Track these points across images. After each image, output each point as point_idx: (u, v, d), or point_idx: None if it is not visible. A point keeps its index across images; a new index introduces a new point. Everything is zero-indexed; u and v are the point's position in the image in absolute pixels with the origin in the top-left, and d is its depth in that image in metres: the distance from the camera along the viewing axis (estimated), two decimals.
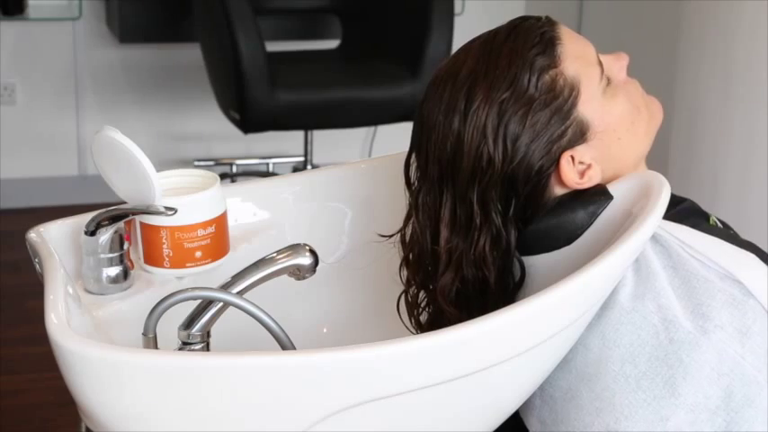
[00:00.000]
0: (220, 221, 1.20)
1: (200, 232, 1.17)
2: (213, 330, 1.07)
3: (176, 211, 1.18)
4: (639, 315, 1.06)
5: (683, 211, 1.16)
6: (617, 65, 1.13)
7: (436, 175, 1.10)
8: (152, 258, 1.19)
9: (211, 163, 3.55)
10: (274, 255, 1.10)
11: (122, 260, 1.19)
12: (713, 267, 1.09)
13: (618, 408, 1.04)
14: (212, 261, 1.20)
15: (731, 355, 1.04)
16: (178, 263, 1.18)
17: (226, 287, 1.07)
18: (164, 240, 1.17)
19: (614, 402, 1.04)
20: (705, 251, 1.10)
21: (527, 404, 1.12)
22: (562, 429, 1.08)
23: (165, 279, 1.22)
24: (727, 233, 1.16)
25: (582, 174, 1.10)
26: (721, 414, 1.03)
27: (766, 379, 1.04)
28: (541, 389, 1.10)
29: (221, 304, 1.06)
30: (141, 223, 1.18)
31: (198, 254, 1.18)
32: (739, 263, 1.10)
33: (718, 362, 1.04)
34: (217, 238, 1.20)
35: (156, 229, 1.17)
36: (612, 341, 1.06)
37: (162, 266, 1.19)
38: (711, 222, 1.17)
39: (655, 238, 1.10)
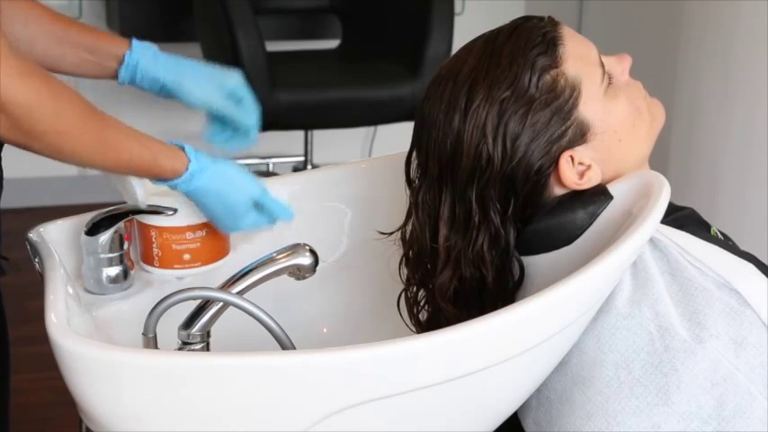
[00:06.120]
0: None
1: (189, 235, 1.17)
2: (213, 330, 1.07)
3: (176, 211, 1.18)
4: (636, 321, 1.06)
5: (682, 218, 1.16)
6: (619, 66, 1.13)
7: (436, 173, 1.10)
8: (146, 257, 1.20)
9: None
10: (274, 255, 1.09)
11: (122, 260, 1.19)
12: (711, 275, 1.08)
13: (610, 413, 1.04)
14: (203, 265, 1.19)
15: (725, 365, 1.04)
16: (166, 263, 1.18)
17: (226, 287, 1.07)
18: (153, 240, 1.17)
19: (607, 408, 1.04)
20: (703, 258, 1.09)
21: (524, 405, 1.12)
22: (555, 431, 1.08)
23: (164, 279, 1.22)
24: (726, 244, 1.16)
25: (581, 174, 1.10)
26: (713, 423, 1.03)
27: (759, 390, 1.04)
28: (538, 390, 1.10)
29: (221, 304, 1.06)
30: (137, 221, 1.18)
31: (186, 256, 1.17)
32: (737, 272, 1.09)
33: (712, 371, 1.03)
34: (209, 242, 1.19)
35: (147, 228, 1.17)
36: (608, 346, 1.06)
37: (152, 265, 1.19)
38: (713, 233, 1.17)
39: (654, 243, 1.10)
